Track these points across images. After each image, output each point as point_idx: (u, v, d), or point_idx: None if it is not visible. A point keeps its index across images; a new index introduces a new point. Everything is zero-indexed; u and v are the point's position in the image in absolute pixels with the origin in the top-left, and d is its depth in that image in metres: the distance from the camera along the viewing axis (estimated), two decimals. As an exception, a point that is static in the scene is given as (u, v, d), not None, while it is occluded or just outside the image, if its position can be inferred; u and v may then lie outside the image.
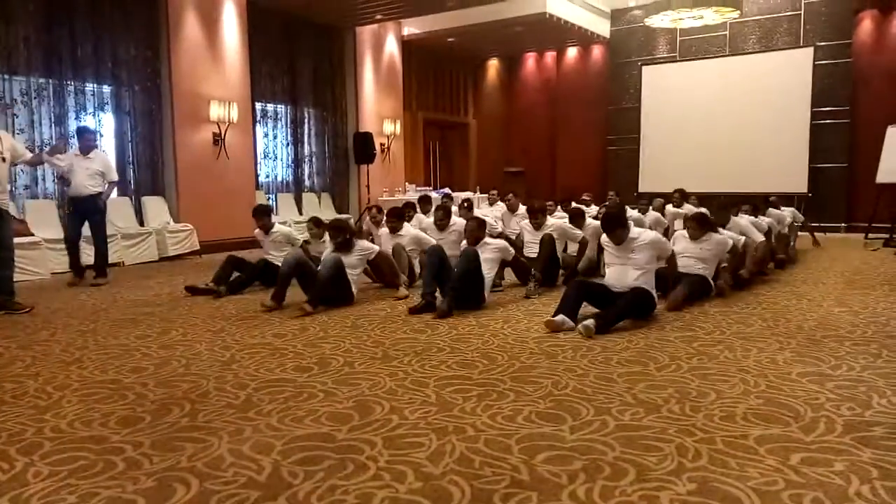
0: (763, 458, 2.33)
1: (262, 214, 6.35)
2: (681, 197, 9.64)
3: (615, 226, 4.63)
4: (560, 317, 4.28)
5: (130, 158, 8.71)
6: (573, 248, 6.47)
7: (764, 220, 7.18)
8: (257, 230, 6.37)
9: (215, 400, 3.02)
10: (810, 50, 11.64)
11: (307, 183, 11.47)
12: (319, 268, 5.18)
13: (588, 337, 4.02)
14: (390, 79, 12.58)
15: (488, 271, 5.22)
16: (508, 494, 2.07)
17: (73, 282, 6.49)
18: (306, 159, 11.44)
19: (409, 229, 6.43)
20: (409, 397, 3.02)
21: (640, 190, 12.70)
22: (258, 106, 10.42)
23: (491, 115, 15.42)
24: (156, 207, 8.72)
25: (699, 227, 5.50)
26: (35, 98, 7.68)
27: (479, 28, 12.23)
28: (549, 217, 6.62)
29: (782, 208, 8.57)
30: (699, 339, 4.09)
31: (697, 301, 5.18)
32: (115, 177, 6.85)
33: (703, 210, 7.37)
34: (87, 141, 6.55)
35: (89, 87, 8.23)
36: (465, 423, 2.66)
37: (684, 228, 5.73)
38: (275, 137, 10.92)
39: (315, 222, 6.58)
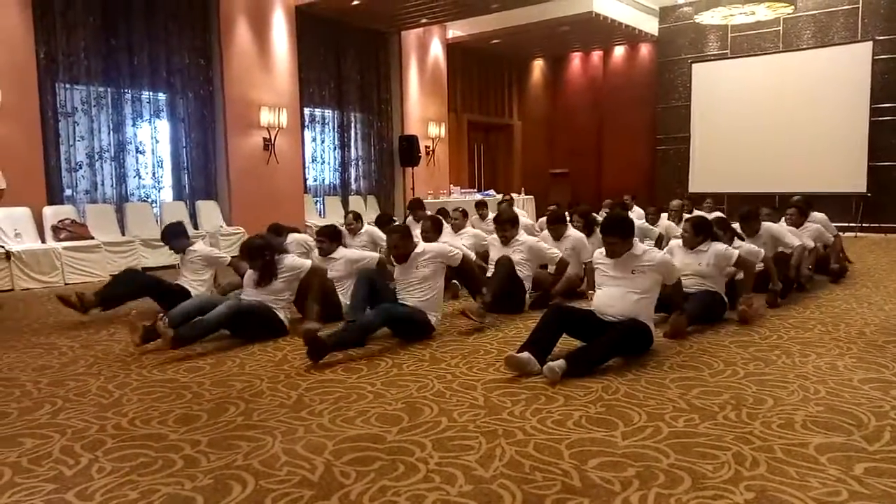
0: (824, 467, 2.25)
1: (170, 237, 5.29)
2: (691, 203, 8.76)
3: (616, 232, 3.73)
4: (525, 354, 3.33)
5: (185, 164, 8.97)
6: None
7: (807, 230, 6.14)
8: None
9: (268, 399, 3.09)
10: (869, 44, 11.20)
11: (353, 186, 11.61)
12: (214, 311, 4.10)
13: (552, 383, 3.15)
14: (435, 82, 12.63)
15: (423, 292, 4.26)
16: (560, 500, 2.05)
17: None
18: (352, 163, 11.58)
19: (343, 251, 5.10)
20: (457, 400, 3.02)
21: (691, 190, 12.43)
22: (306, 111, 10.60)
23: (535, 117, 15.33)
24: (209, 211, 8.96)
25: (693, 232, 4.61)
26: (94, 106, 7.98)
27: (524, 29, 12.18)
28: (521, 231, 5.41)
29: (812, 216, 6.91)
30: (755, 343, 3.97)
31: (709, 324, 4.37)
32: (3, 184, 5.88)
33: (717, 214, 6.63)
34: None
35: (145, 94, 8.51)
36: (515, 427, 2.65)
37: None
38: (322, 142, 11.08)
39: (275, 231, 5.66)
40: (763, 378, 3.27)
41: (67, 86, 7.72)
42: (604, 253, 3.85)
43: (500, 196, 11.80)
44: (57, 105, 7.61)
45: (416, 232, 6.46)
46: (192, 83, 8.91)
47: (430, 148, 12.48)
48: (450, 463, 2.33)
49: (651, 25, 13.32)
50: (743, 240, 5.25)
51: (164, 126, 8.81)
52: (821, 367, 3.45)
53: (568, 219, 6.38)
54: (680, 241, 4.78)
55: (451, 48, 13.01)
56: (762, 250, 5.12)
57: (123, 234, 7.92)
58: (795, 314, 4.79)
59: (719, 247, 4.63)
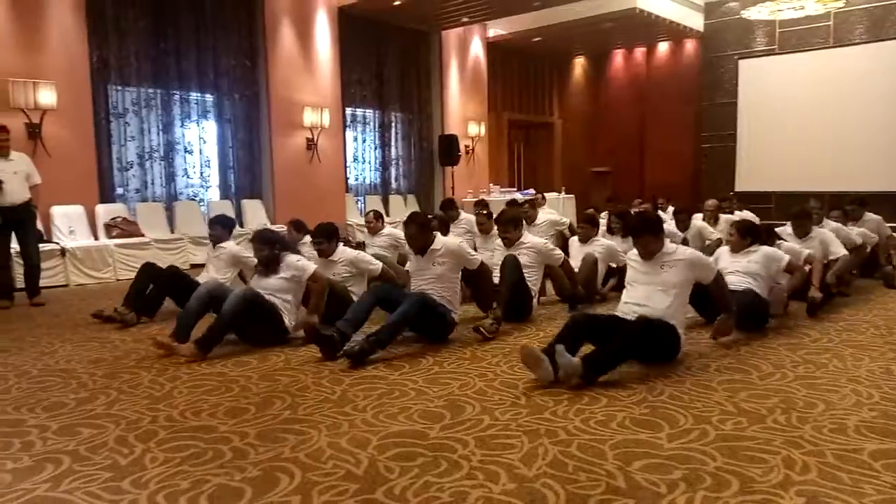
0: (878, 473, 2.19)
1: (216, 224, 5.35)
2: (734, 201, 8.34)
3: (644, 232, 3.61)
4: (542, 355, 3.18)
5: (231, 163, 9.17)
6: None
7: (854, 230, 6.02)
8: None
9: (314, 394, 3.14)
10: (927, 38, 10.77)
11: (394, 185, 11.69)
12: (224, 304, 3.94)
13: (567, 378, 3.08)
14: (475, 80, 12.63)
15: (442, 287, 4.15)
16: (604, 501, 2.04)
17: (4, 305, 5.62)
18: (393, 162, 11.66)
19: (343, 252, 4.82)
20: (499, 398, 3.02)
21: (737, 189, 12.14)
22: (348, 111, 10.72)
23: (577, 114, 15.19)
24: (254, 209, 9.13)
25: (740, 236, 4.48)
26: (144, 107, 8.22)
27: (565, 26, 12.06)
28: (526, 232, 5.13)
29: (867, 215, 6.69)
30: (805, 346, 3.87)
31: (753, 326, 4.20)
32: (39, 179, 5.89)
33: (752, 216, 6.54)
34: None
35: (193, 96, 8.73)
36: (557, 427, 2.64)
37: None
38: (363, 141, 11.19)
39: (296, 226, 5.75)
40: (814, 381, 3.19)
41: (119, 87, 7.97)
42: (637, 254, 3.73)
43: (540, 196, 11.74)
44: (109, 106, 7.86)
45: (454, 232, 6.46)
46: (238, 85, 9.10)
47: (470, 147, 12.48)
48: (492, 461, 2.34)
49: (696, 21, 13.05)
50: (782, 240, 5.10)
51: (211, 126, 9.01)
52: (874, 371, 3.34)
53: (601, 218, 6.40)
54: (727, 248, 4.62)
55: (492, 47, 12.98)
56: (806, 250, 4.92)
57: (172, 231, 8.14)
58: (847, 316, 4.65)
59: (769, 249, 4.48)
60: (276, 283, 4.19)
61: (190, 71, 8.58)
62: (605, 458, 2.35)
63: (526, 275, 4.70)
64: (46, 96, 7.02)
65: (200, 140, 8.86)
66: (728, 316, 3.83)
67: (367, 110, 11.16)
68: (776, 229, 5.28)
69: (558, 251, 5.09)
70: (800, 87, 11.94)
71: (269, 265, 4.23)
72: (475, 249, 5.47)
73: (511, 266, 4.56)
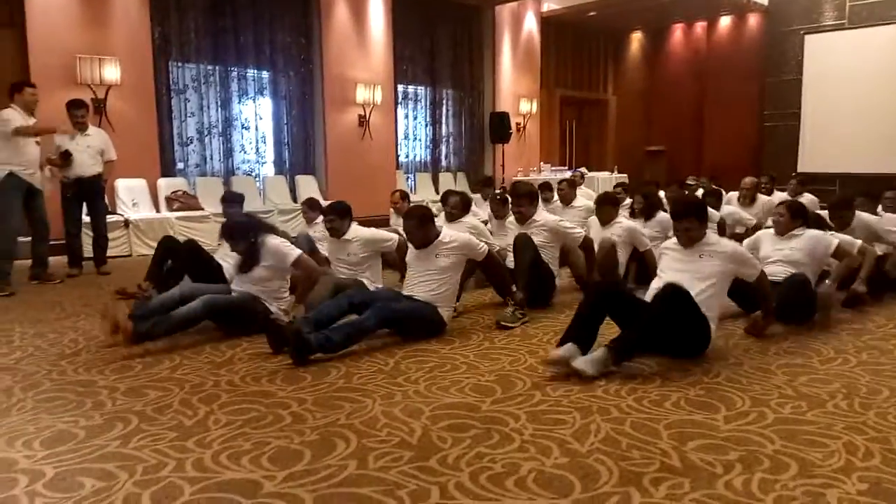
0: (950, 464, 2.11)
1: (227, 201, 5.35)
2: (772, 182, 7.54)
3: (690, 214, 3.34)
4: (566, 347, 3.00)
5: (286, 139, 9.32)
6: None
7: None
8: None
9: (367, 365, 3.21)
10: None
11: (444, 163, 11.69)
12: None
13: (590, 378, 2.87)
14: (528, 57, 12.45)
15: (438, 283, 3.78)
16: (659, 479, 2.03)
17: (73, 272, 5.89)
18: (443, 139, 11.65)
19: (357, 230, 4.46)
20: (550, 374, 3.02)
21: (799, 169, 11.69)
22: (399, 88, 10.73)
23: (632, 91, 14.82)
24: (307, 185, 9.29)
25: (791, 216, 4.08)
26: (204, 84, 8.41)
27: (622, 0, 11.76)
28: (541, 210, 4.77)
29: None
30: (869, 332, 3.74)
31: (798, 319, 3.82)
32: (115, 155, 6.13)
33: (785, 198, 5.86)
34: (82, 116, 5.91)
35: (250, 72, 8.88)
36: (610, 405, 2.63)
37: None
38: (415, 118, 11.20)
39: (309, 204, 5.53)
40: (878, 368, 3.08)
41: (179, 64, 8.17)
42: (675, 241, 3.46)
43: (592, 174, 11.57)
44: (170, 83, 8.08)
45: (486, 211, 6.17)
46: (294, 62, 9.21)
47: (521, 124, 12.35)
48: (544, 435, 2.35)
49: (761, -6, 12.54)
50: (828, 227, 4.64)
51: (266, 103, 9.17)
52: (946, 359, 3.20)
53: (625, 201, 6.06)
54: (771, 231, 4.23)
55: (546, 22, 12.75)
56: (858, 241, 4.34)
57: (229, 205, 8.34)
58: (916, 303, 4.46)
59: (815, 232, 4.08)
60: (258, 273, 3.81)
61: (247, 48, 8.72)
62: (660, 436, 2.33)
63: (542, 255, 4.40)
64: (111, 72, 7.25)
65: (257, 116, 9.02)
66: (765, 317, 3.58)
67: (419, 87, 11.15)
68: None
69: (578, 229, 4.68)
70: (870, 63, 11.36)
71: (249, 260, 3.81)
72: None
73: (523, 245, 4.26)
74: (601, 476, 2.05)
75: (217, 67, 8.50)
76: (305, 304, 3.89)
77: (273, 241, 3.86)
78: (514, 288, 4.05)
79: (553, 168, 12.23)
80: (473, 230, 4.97)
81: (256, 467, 2.13)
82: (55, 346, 3.63)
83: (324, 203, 5.77)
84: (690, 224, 3.34)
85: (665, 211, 5.38)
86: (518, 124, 12.21)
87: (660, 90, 14.72)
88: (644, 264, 4.81)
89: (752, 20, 13.31)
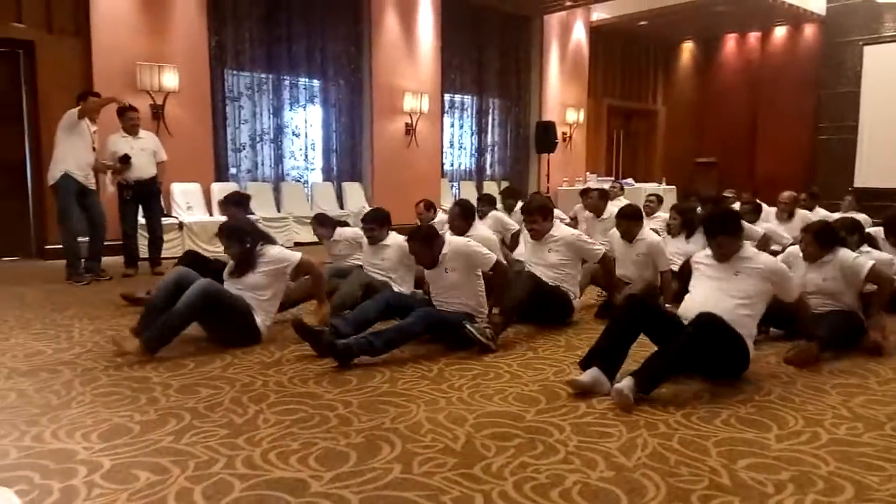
0: None
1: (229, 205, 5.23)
2: (810, 198, 6.94)
3: (721, 230, 3.15)
4: (591, 373, 2.86)
5: (334, 147, 9.49)
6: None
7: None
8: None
9: (411, 371, 3.23)
10: None
11: (488, 171, 11.71)
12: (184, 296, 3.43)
13: (625, 408, 2.66)
14: (576, 66, 12.39)
15: (460, 294, 3.73)
16: (708, 496, 1.99)
17: (129, 272, 6.09)
18: (489, 148, 11.67)
19: (395, 238, 4.56)
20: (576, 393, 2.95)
21: (856, 184, 11.32)
22: (446, 97, 10.81)
23: (682, 102, 14.59)
24: (354, 192, 9.43)
25: (817, 244, 3.70)
26: (257, 92, 8.64)
27: (675, 9, 11.61)
28: (557, 222, 4.48)
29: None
30: (931, 354, 3.59)
31: (844, 349, 3.51)
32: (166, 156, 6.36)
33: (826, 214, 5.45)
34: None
35: (302, 81, 9.08)
36: (657, 420, 2.59)
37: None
38: (460, 127, 11.26)
39: (319, 220, 5.36)
40: (942, 391, 2.96)
41: (235, 72, 8.41)
42: (710, 255, 3.27)
43: (639, 185, 11.42)
44: (225, 90, 8.32)
45: (510, 219, 6.11)
46: (344, 70, 9.38)
47: (568, 134, 12.29)
48: (589, 447, 2.33)
49: (818, 4, 12.21)
50: (876, 247, 4.43)
51: (316, 111, 9.35)
52: None
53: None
54: (800, 255, 3.86)
55: (595, 31, 12.68)
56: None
57: (279, 210, 8.55)
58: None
59: (846, 256, 3.67)
60: (253, 279, 3.70)
61: (299, 57, 8.92)
62: (709, 454, 2.28)
63: (558, 275, 4.18)
64: (170, 79, 7.51)
65: (306, 124, 9.21)
66: (811, 344, 3.33)
67: (465, 96, 11.21)
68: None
69: (597, 245, 4.39)
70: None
71: (244, 264, 3.72)
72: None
73: (519, 282, 3.92)
74: (648, 491, 2.02)
75: (270, 76, 8.72)
76: (324, 301, 3.92)
77: (275, 248, 3.83)
78: (495, 310, 3.77)
79: (599, 178, 12.10)
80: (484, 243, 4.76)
81: (304, 467, 2.17)
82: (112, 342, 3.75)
83: (349, 214, 5.70)
84: (722, 241, 3.15)
85: None
86: (564, 134, 12.15)
87: (711, 101, 14.45)
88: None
89: (809, 30, 12.98)
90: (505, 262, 3.96)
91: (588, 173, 12.45)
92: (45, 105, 6.78)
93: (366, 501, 1.96)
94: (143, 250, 6.35)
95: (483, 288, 3.85)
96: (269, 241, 3.93)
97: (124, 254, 6.22)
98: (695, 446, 2.35)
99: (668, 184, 12.20)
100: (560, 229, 4.34)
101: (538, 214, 4.25)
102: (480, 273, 3.83)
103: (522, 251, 5.07)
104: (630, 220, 4.71)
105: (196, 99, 7.88)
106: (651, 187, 11.37)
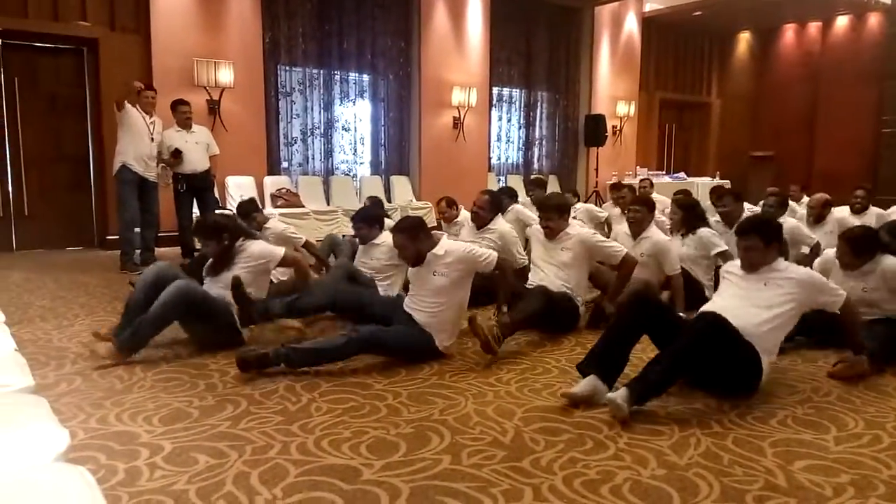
0: None
1: (241, 213, 4.90)
2: (867, 196, 6.31)
3: (752, 231, 2.92)
4: (587, 382, 2.67)
5: (383, 141, 9.57)
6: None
7: None
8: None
9: (459, 364, 3.26)
10: None
11: (536, 165, 11.62)
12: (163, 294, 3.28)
13: (620, 420, 2.47)
14: (627, 58, 12.17)
15: (441, 306, 3.33)
16: (763, 497, 1.96)
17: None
18: (536, 142, 11.58)
19: (387, 237, 4.21)
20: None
21: (923, 180, 10.82)
22: (494, 90, 10.76)
23: (738, 94, 14.17)
24: (401, 186, 9.50)
25: (853, 253, 3.40)
26: (308, 87, 8.77)
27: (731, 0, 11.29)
28: (573, 222, 4.20)
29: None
30: None
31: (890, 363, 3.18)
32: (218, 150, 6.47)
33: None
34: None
35: (352, 76, 9.18)
36: (711, 419, 2.55)
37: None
38: (508, 120, 11.21)
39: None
40: None
41: (287, 68, 8.56)
42: (739, 264, 3.01)
43: (692, 180, 11.17)
44: (278, 85, 8.47)
45: (532, 213, 5.43)
46: (393, 65, 9.44)
47: (618, 127, 12.10)
48: (640, 445, 2.31)
49: (884, -9, 11.69)
50: None
51: (365, 105, 9.44)
52: None
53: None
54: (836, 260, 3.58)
55: (647, 22, 12.42)
56: None
57: (328, 203, 8.68)
58: None
59: (890, 263, 3.35)
60: (231, 277, 3.52)
61: (350, 52, 9.01)
62: (764, 454, 2.24)
63: (567, 276, 3.89)
64: (225, 75, 7.70)
65: (356, 118, 9.32)
66: (861, 358, 3.03)
67: (514, 89, 11.14)
68: None
69: (616, 245, 4.04)
70: None
71: (221, 262, 3.59)
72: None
73: (535, 296, 3.68)
74: (701, 490, 1.99)
75: (321, 71, 8.84)
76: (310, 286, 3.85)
77: (257, 243, 3.69)
78: (504, 309, 3.56)
79: (650, 172, 11.89)
80: (500, 239, 4.61)
81: (356, 454, 2.22)
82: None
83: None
84: (752, 243, 2.89)
85: (709, 226, 4.72)
86: (614, 127, 11.97)
87: (768, 93, 14.00)
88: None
89: (873, 20, 12.44)
90: (508, 259, 3.63)
91: (638, 167, 12.24)
92: (107, 101, 7.01)
93: (416, 490, 1.99)
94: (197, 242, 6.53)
95: (465, 310, 3.47)
96: (249, 236, 3.79)
97: (180, 244, 6.43)
98: (750, 446, 2.30)
99: (721, 178, 11.88)
100: (575, 228, 4.08)
101: (554, 212, 3.98)
102: (469, 286, 3.44)
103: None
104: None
105: (250, 94, 8.06)
106: (705, 182, 11.11)
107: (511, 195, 6.20)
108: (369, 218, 4.38)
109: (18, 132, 7.07)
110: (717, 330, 2.61)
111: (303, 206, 8.12)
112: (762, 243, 2.88)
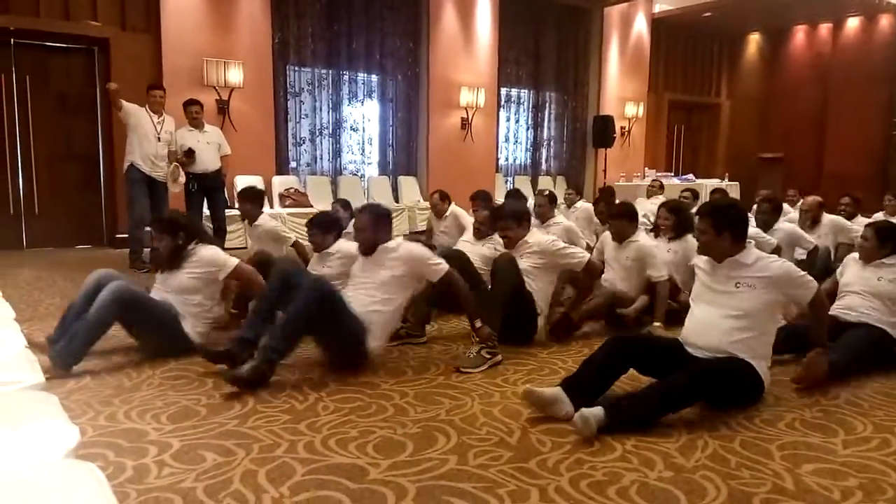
0: None
1: (243, 199, 4.86)
2: (852, 203, 6.02)
3: (705, 214, 2.78)
4: (552, 391, 2.54)
5: (390, 141, 9.59)
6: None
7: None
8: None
9: (466, 365, 3.25)
10: None
11: (544, 166, 11.61)
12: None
13: (585, 438, 2.33)
14: (636, 59, 12.14)
15: (380, 303, 3.19)
16: (770, 500, 1.95)
17: None
18: (544, 143, 11.57)
19: (341, 245, 4.01)
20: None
21: (934, 183, 10.74)
22: (503, 91, 10.76)
23: (747, 96, 14.12)
24: (409, 186, 9.51)
25: (878, 241, 3.38)
26: (317, 87, 8.81)
27: (742, 1, 11.23)
28: (534, 230, 3.92)
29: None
30: None
31: (864, 373, 3.07)
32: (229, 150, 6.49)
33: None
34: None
35: (360, 76, 9.20)
36: (718, 422, 2.53)
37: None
38: (516, 121, 11.21)
39: (342, 204, 5.20)
40: None
41: (296, 68, 8.59)
42: (708, 259, 2.85)
43: (700, 181, 11.13)
44: (287, 85, 8.51)
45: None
46: (402, 65, 9.46)
47: (626, 128, 12.07)
48: (647, 447, 2.30)
49: (897, -8, 11.61)
50: None
51: (373, 106, 9.46)
52: None
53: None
54: (856, 255, 3.55)
55: (656, 23, 12.40)
56: None
57: (336, 203, 8.69)
58: None
59: None
60: (178, 281, 3.36)
61: (359, 52, 9.04)
62: (772, 457, 2.23)
63: (528, 285, 3.60)
64: (235, 75, 7.74)
65: (364, 118, 9.34)
66: (822, 353, 2.90)
67: (522, 90, 11.14)
68: None
69: (579, 251, 3.77)
70: None
71: (170, 259, 3.40)
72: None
73: (504, 269, 3.43)
74: (708, 493, 1.99)
75: (330, 71, 8.87)
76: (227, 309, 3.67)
77: (209, 249, 3.46)
78: (478, 323, 3.23)
79: (658, 174, 11.85)
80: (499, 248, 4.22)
81: (362, 454, 2.22)
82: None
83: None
84: (703, 227, 2.75)
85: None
86: (623, 128, 11.94)
87: (778, 94, 13.94)
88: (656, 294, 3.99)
89: (884, 21, 12.36)
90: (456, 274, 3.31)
91: (646, 168, 12.21)
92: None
93: (422, 490, 1.99)
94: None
95: (401, 317, 3.37)
96: (206, 240, 3.56)
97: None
98: (757, 449, 2.29)
99: (731, 180, 11.84)
100: (535, 235, 3.82)
101: (512, 221, 3.77)
102: (406, 299, 3.33)
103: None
104: (629, 221, 4.16)
105: (259, 94, 8.09)
106: (713, 183, 11.06)
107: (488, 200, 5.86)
108: (325, 224, 4.07)
109: (29, 131, 7.13)
110: (711, 376, 2.56)
111: (311, 206, 8.13)
112: (713, 230, 2.72)
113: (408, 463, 2.16)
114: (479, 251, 4.40)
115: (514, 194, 6.32)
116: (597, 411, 2.37)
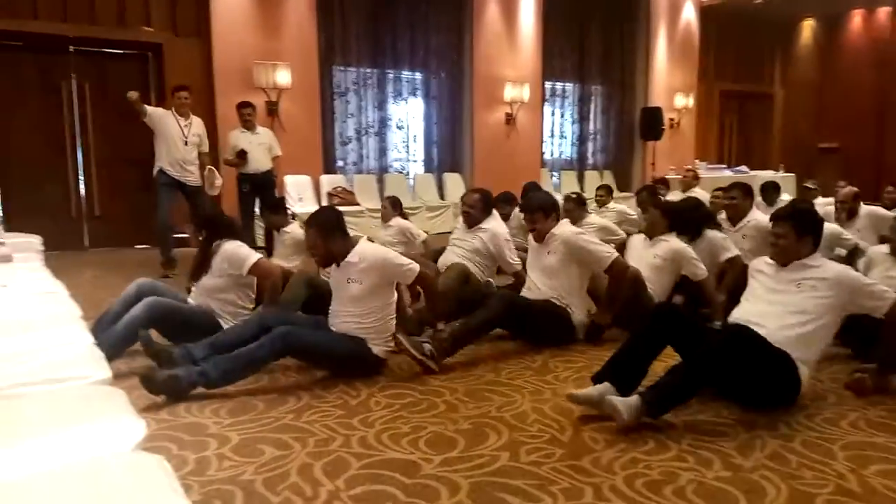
0: None
1: (270, 209, 4.87)
2: None
3: (785, 218, 2.71)
4: (599, 388, 2.51)
5: (435, 139, 9.61)
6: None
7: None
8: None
9: (515, 361, 3.26)
10: None
11: (590, 160, 11.46)
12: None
13: (624, 428, 2.34)
14: (685, 49, 11.86)
15: (363, 316, 3.04)
16: (834, 501, 1.90)
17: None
18: (590, 137, 11.42)
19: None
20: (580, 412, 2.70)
21: None
22: (547, 85, 10.66)
23: (802, 84, 13.63)
24: (454, 183, 9.51)
25: None
26: (363, 86, 8.89)
27: (794, -14, 10.87)
28: (563, 222, 3.75)
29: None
30: None
31: None
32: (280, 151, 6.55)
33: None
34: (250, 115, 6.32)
35: (405, 74, 9.25)
36: (778, 421, 2.47)
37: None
38: (561, 115, 11.09)
39: (392, 202, 5.30)
40: None
41: (342, 68, 8.68)
42: (768, 260, 2.78)
43: (754, 173, 10.81)
44: (333, 86, 8.61)
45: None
46: (445, 62, 9.46)
47: (675, 120, 11.81)
48: (704, 446, 2.26)
49: (965, -30, 11.04)
50: None
51: (417, 103, 9.50)
52: None
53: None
54: (883, 248, 3.39)
55: (706, 11, 12.07)
56: None
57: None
58: None
59: None
60: (211, 282, 3.36)
61: (403, 51, 9.08)
62: (835, 457, 2.16)
63: (553, 284, 3.56)
64: (283, 76, 7.87)
65: (409, 116, 9.39)
66: (878, 371, 2.74)
67: (567, 84, 11.01)
68: None
69: (603, 248, 3.59)
70: None
71: (200, 264, 3.43)
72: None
73: (492, 306, 3.32)
74: (768, 493, 1.94)
75: (375, 70, 8.94)
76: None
77: (230, 244, 3.38)
78: (440, 325, 3.21)
79: (709, 166, 11.57)
80: (491, 240, 4.20)
81: (415, 449, 2.25)
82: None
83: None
84: (784, 230, 2.67)
85: (717, 227, 4.23)
86: (672, 120, 11.69)
87: (835, 82, 13.42)
88: (694, 296, 3.87)
89: (952, 1, 11.76)
90: (429, 273, 3.26)
91: (697, 161, 11.92)
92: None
93: (475, 486, 2.00)
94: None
95: (393, 314, 3.15)
96: (233, 235, 3.51)
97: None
98: (819, 449, 2.23)
99: (786, 171, 11.46)
100: (562, 227, 3.67)
101: (539, 213, 3.65)
102: (394, 296, 3.16)
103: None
104: (661, 213, 3.99)
105: (307, 95, 8.21)
106: (767, 175, 10.73)
107: (508, 200, 5.80)
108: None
109: (89, 136, 7.40)
110: (740, 340, 2.44)
111: (358, 204, 8.24)
112: (795, 233, 2.65)
113: (460, 459, 2.17)
114: (470, 243, 4.26)
115: (532, 188, 6.06)
116: (633, 401, 2.36)
